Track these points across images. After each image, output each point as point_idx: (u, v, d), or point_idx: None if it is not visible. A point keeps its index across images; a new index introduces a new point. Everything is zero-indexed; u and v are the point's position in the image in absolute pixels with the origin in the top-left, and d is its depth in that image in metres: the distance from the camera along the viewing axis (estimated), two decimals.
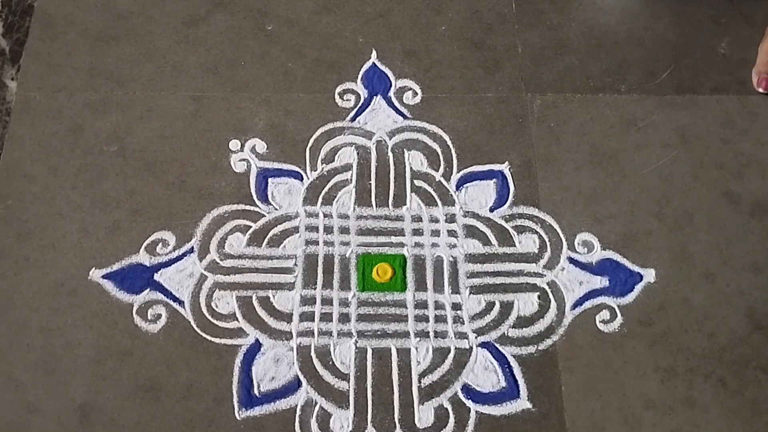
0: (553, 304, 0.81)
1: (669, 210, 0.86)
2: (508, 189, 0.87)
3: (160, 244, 0.83)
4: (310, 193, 0.87)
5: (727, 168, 0.89)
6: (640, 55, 0.96)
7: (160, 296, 0.80)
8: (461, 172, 0.88)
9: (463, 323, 0.80)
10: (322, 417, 0.75)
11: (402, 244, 0.84)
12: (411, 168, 0.89)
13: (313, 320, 0.79)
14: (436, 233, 0.85)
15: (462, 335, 0.79)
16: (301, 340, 0.79)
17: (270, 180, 0.87)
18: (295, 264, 0.82)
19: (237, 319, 0.79)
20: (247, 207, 0.86)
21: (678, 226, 0.85)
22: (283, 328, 0.79)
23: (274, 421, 0.75)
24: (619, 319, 0.80)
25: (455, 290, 0.81)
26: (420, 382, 0.77)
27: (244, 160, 0.88)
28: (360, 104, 0.92)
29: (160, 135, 0.90)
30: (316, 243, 0.84)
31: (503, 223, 0.85)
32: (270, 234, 0.84)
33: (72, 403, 0.75)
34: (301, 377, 0.77)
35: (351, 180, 0.88)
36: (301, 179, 0.87)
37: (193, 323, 0.79)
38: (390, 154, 0.89)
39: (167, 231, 0.84)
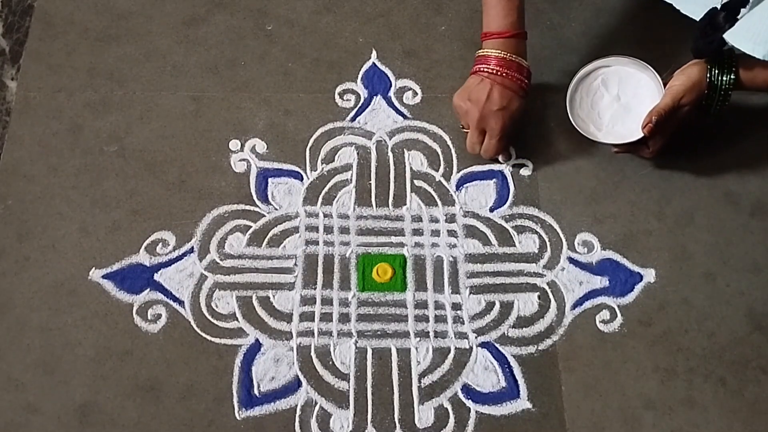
0: (553, 304, 0.81)
1: (669, 210, 0.86)
2: (508, 189, 0.87)
3: (160, 244, 0.83)
4: (310, 193, 0.87)
5: (727, 168, 0.89)
6: (639, 55, 0.96)
7: (160, 296, 0.80)
8: (461, 172, 0.88)
9: (463, 323, 0.80)
10: (322, 417, 0.75)
11: (402, 244, 0.84)
12: (411, 168, 0.89)
13: (313, 320, 0.79)
14: (436, 233, 0.85)
15: (462, 335, 0.79)
16: (301, 340, 0.79)
17: (270, 180, 0.87)
18: (295, 264, 0.82)
19: (237, 319, 0.79)
20: (247, 207, 0.86)
21: (678, 226, 0.85)
22: (283, 328, 0.79)
23: (274, 421, 0.75)
24: (619, 319, 0.80)
25: (455, 290, 0.81)
26: (420, 382, 0.77)
27: (244, 160, 0.88)
28: (360, 104, 0.92)
29: (160, 135, 0.90)
30: (316, 243, 0.84)
31: (503, 223, 0.85)
32: (270, 234, 0.84)
33: (72, 403, 0.75)
34: (301, 377, 0.77)
35: (351, 180, 0.88)
36: (301, 179, 0.87)
37: (193, 323, 0.79)
38: (390, 154, 0.89)
39: (167, 231, 0.84)
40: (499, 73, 0.81)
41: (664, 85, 0.83)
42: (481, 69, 0.82)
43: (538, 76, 0.95)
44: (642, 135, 0.81)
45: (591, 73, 0.87)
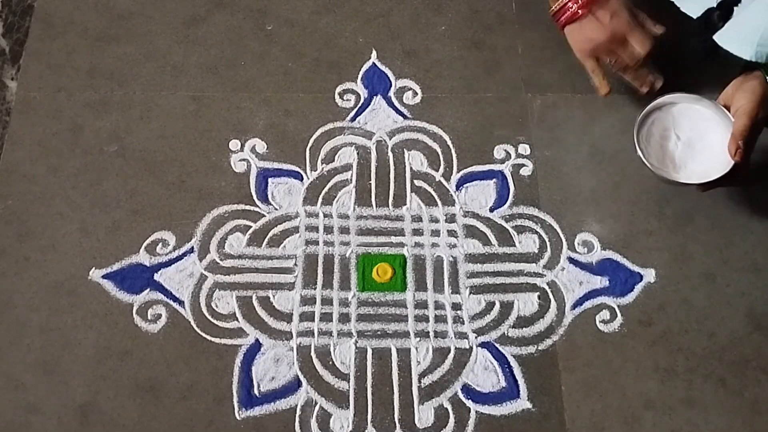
0: (553, 304, 0.81)
1: (669, 210, 0.86)
2: (508, 189, 0.87)
3: (160, 244, 0.83)
4: (310, 193, 0.87)
5: None
6: None
7: (160, 296, 0.80)
8: (461, 172, 0.88)
9: (463, 323, 0.80)
10: (322, 417, 0.75)
11: (402, 244, 0.84)
12: (411, 168, 0.89)
13: (313, 320, 0.79)
14: (436, 233, 0.85)
15: (462, 335, 0.79)
16: (301, 340, 0.79)
17: (270, 180, 0.87)
18: (295, 264, 0.83)
19: (237, 319, 0.79)
20: (247, 207, 0.86)
21: (678, 226, 0.85)
22: (283, 328, 0.79)
23: (274, 421, 0.75)
24: (619, 319, 0.80)
25: (455, 290, 0.81)
26: (420, 382, 0.77)
27: (244, 160, 0.88)
28: (360, 104, 0.92)
29: (160, 135, 0.90)
30: (316, 243, 0.84)
31: (503, 223, 0.85)
32: (270, 234, 0.84)
33: (72, 403, 0.75)
34: (301, 377, 0.77)
35: (351, 180, 0.88)
36: (301, 179, 0.87)
37: (193, 323, 0.79)
38: (390, 154, 0.89)
39: (167, 231, 0.84)
40: (583, 3, 0.81)
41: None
42: (569, 17, 0.82)
43: (538, 76, 0.95)
44: (729, 166, 0.77)
45: (647, 117, 0.82)
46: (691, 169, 0.80)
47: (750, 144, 0.77)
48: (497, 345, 0.79)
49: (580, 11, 0.81)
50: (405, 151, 0.90)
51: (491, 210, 0.86)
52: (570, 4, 0.82)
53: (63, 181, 0.86)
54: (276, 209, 0.86)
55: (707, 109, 0.81)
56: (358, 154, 0.89)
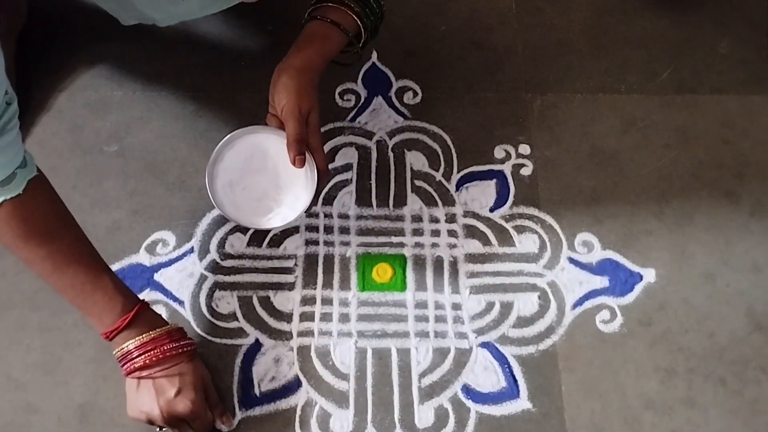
0: (553, 304, 0.81)
1: (669, 210, 0.86)
2: (508, 189, 0.87)
3: (160, 244, 0.83)
4: None
5: (727, 168, 0.89)
6: (640, 55, 0.96)
7: (160, 296, 0.80)
8: (461, 172, 0.88)
9: (463, 323, 0.80)
10: (322, 417, 0.75)
11: (402, 244, 0.84)
12: (411, 168, 0.89)
13: (313, 320, 0.79)
14: (436, 233, 0.85)
15: (462, 335, 0.79)
16: (301, 340, 0.79)
17: None
18: (296, 264, 0.82)
19: (237, 319, 0.79)
20: None
21: (678, 226, 0.86)
22: (283, 328, 0.79)
23: (274, 421, 0.75)
24: (619, 319, 0.80)
25: (455, 290, 0.81)
26: (420, 382, 0.77)
27: None
28: (360, 104, 0.92)
29: (160, 135, 0.90)
30: (317, 243, 0.84)
31: (503, 223, 0.85)
32: (270, 234, 0.84)
33: (72, 403, 0.75)
34: (301, 377, 0.77)
35: (351, 180, 0.88)
36: None
37: (193, 323, 0.79)
38: (390, 154, 0.89)
39: (167, 231, 0.84)
40: (148, 362, 0.68)
41: None
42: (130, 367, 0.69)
43: (537, 75, 0.95)
44: (312, 181, 0.71)
45: (214, 166, 0.71)
46: (289, 203, 0.72)
47: (315, 140, 0.70)
48: (497, 345, 0.79)
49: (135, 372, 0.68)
50: (405, 151, 0.90)
51: (491, 210, 0.86)
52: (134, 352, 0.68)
53: (63, 181, 0.86)
54: None
55: (267, 136, 0.71)
56: (358, 154, 0.89)
